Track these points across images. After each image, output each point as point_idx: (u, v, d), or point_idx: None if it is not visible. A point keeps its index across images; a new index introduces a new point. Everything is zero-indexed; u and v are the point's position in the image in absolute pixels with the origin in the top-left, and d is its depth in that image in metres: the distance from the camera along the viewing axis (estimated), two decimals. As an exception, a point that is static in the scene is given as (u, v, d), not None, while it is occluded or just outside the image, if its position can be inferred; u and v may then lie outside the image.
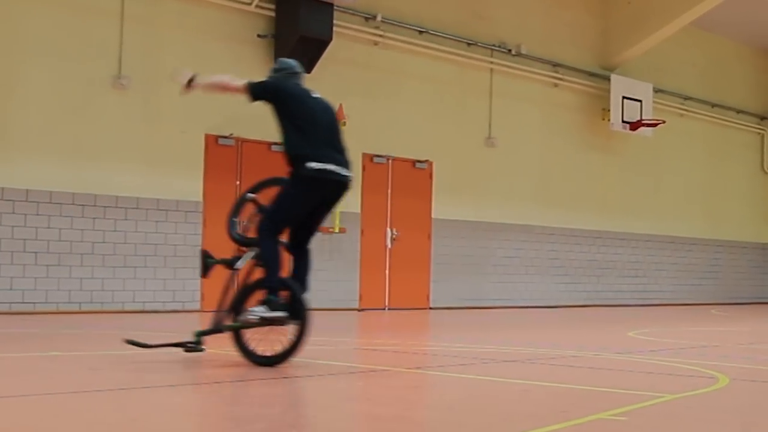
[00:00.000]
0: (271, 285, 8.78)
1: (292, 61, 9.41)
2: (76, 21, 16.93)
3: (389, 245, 20.96)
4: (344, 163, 8.89)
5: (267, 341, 8.84)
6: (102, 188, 17.03)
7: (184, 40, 18.13)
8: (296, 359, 9.53)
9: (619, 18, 25.68)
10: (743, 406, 7.23)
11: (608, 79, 25.39)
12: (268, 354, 8.82)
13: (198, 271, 17.70)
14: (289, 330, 8.79)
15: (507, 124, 23.37)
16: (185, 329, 12.46)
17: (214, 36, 18.49)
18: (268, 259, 8.83)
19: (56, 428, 5.54)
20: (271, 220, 8.89)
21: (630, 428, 5.92)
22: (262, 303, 8.73)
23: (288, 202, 8.89)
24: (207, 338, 9.17)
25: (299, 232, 9.11)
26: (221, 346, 10.85)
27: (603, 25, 25.81)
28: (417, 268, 21.45)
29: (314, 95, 9.17)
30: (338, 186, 8.87)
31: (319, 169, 8.73)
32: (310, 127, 8.89)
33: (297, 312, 8.71)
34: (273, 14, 19.14)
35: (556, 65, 24.55)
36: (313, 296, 19.80)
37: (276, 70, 9.31)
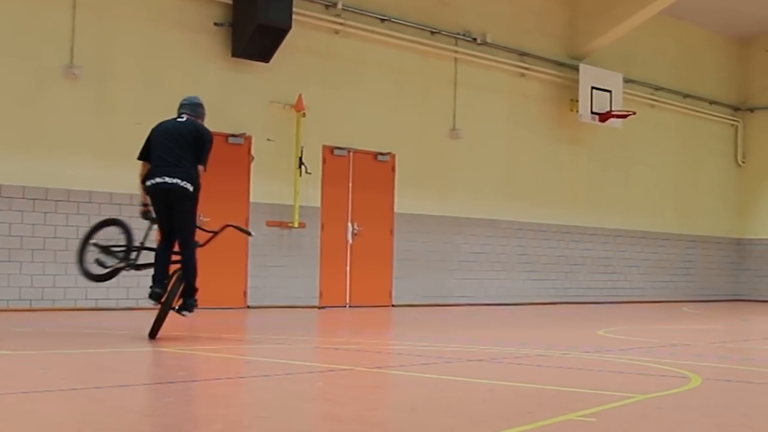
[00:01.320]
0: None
1: (186, 98, 12.46)
2: (27, 9, 17.04)
3: (350, 240, 21.16)
4: (176, 173, 11.46)
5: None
6: (54, 181, 17.16)
7: (138, 29, 18.24)
8: (254, 358, 9.70)
9: (588, 5, 25.97)
10: (716, 406, 7.34)
11: (577, 68, 25.67)
12: None
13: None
14: None
15: (472, 115, 23.63)
16: (139, 327, 12.62)
17: (170, 24, 18.62)
18: None
19: (5, 430, 5.59)
20: None
21: (599, 429, 6.00)
22: None
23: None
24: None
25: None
26: (174, 344, 10.99)
27: (571, 13, 26.08)
28: (379, 264, 21.68)
29: (177, 120, 11.99)
30: (168, 193, 11.47)
31: (150, 184, 11.58)
32: (154, 153, 11.69)
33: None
34: (230, 1, 19.32)
35: (522, 54, 24.82)
36: (272, 293, 19.97)
37: None
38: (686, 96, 29.69)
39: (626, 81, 26.99)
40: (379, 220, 21.70)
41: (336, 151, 20.94)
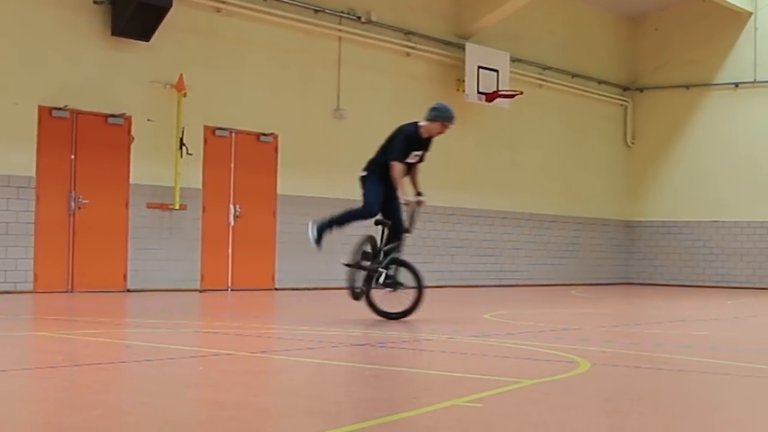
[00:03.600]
0: None
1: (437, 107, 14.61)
2: None
3: (232, 223, 21.86)
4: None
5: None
6: (-72, 163, 17.69)
7: (14, 7, 18.71)
8: (135, 342, 10.35)
9: (475, -16, 27.01)
10: (604, 391, 7.58)
11: (463, 48, 26.59)
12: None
13: (30, 251, 18.38)
14: None
15: (356, 96, 24.47)
16: (17, 311, 13.16)
17: (47, 2, 19.12)
18: None
19: None
20: None
21: (485, 415, 6.13)
22: None
23: None
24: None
25: None
26: (56, 329, 11.54)
27: (458, -8, 27.13)
28: (261, 247, 22.40)
29: None
30: None
31: None
32: None
33: None
34: (110, -21, 19.89)
35: (408, 33, 25.74)
36: (152, 276, 20.45)
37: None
38: (575, 76, 30.81)
39: (514, 60, 28.00)
40: (262, 202, 22.39)
41: (218, 132, 21.61)
